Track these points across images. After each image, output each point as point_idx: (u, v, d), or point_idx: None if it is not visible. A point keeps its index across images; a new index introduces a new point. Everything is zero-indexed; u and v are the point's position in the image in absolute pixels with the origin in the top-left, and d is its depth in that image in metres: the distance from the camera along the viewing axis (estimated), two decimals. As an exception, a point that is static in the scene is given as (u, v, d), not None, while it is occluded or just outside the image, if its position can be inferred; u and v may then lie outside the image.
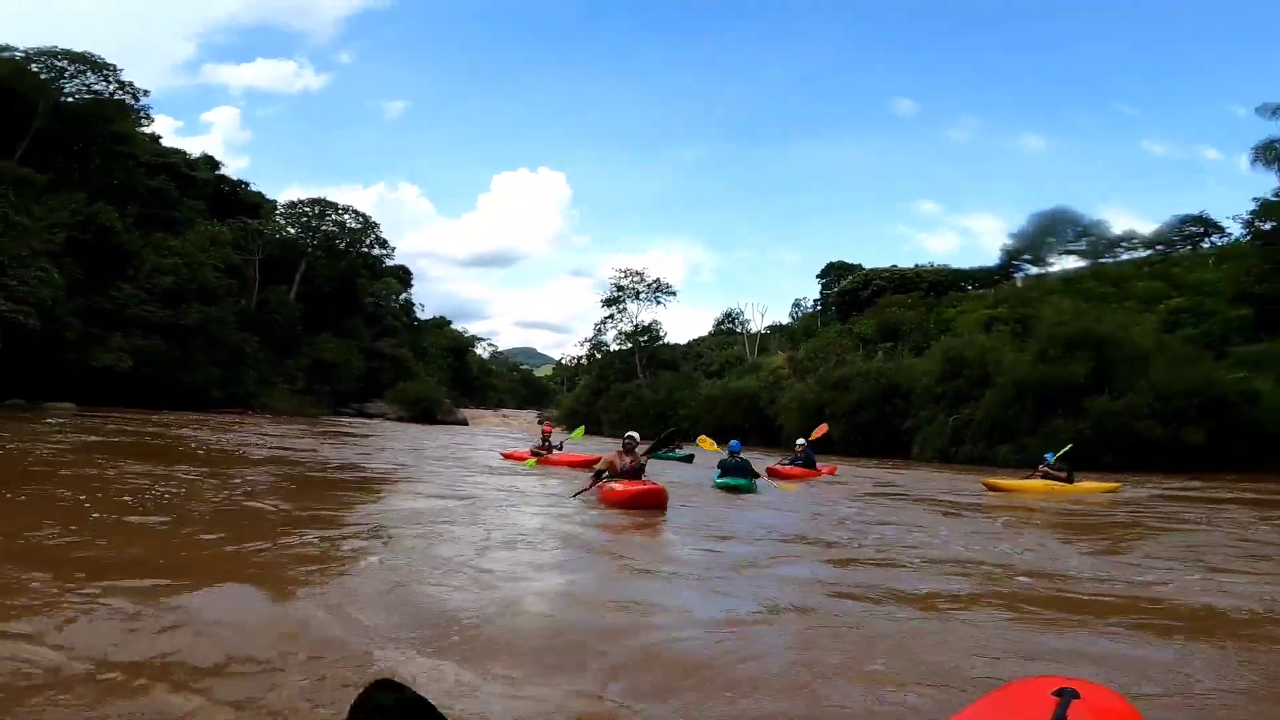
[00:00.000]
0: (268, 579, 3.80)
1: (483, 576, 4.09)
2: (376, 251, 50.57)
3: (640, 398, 42.59)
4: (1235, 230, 34.58)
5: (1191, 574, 4.89)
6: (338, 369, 42.89)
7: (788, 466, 12.98)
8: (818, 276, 68.32)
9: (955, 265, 61.29)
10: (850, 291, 59.83)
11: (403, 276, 58.30)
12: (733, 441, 11.39)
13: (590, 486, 8.00)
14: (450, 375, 60.50)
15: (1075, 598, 4.13)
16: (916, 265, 61.63)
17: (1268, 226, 25.23)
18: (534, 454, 13.90)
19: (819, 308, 65.14)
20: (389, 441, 19.11)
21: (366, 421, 35.95)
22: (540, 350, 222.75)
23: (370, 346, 47.96)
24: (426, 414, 43.95)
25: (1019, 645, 3.22)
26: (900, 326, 41.87)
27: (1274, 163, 20.84)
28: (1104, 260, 52.85)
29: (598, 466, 8.30)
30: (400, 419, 42.17)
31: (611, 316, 46.94)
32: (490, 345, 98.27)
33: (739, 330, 61.60)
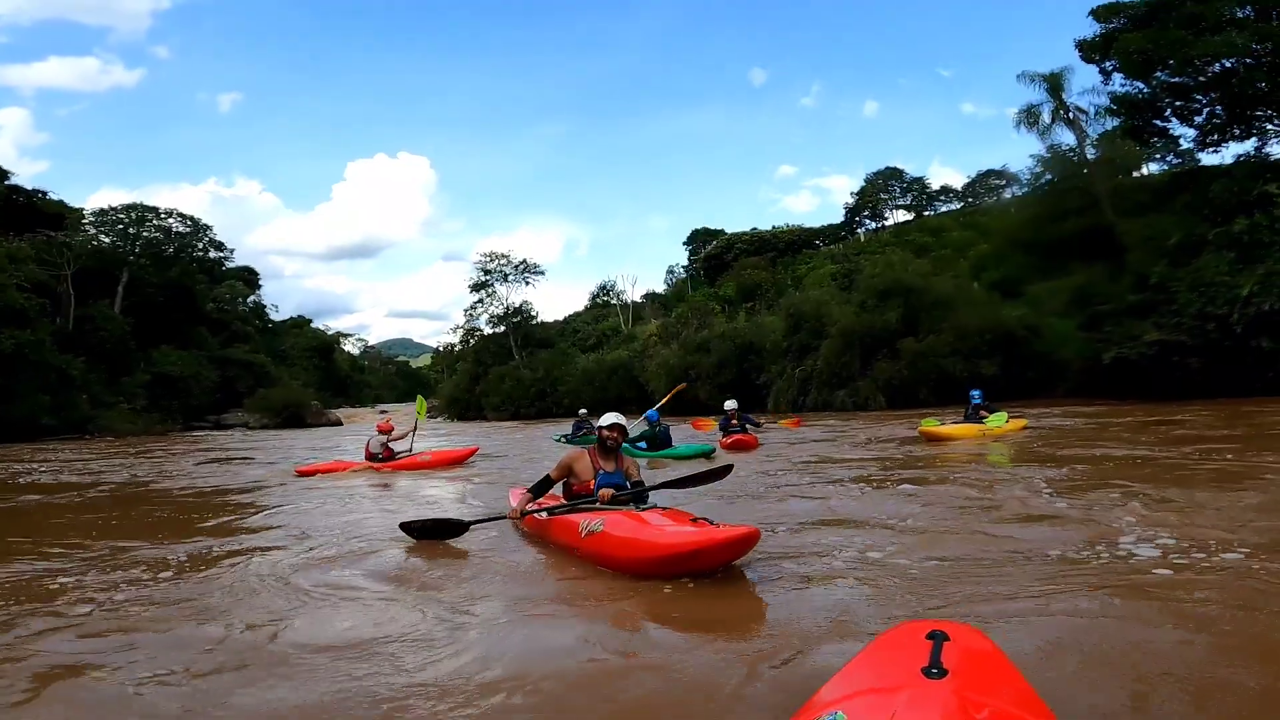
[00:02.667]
0: None
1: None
2: (213, 255, 46.71)
3: (519, 378, 42.80)
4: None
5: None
6: (185, 382, 39.73)
7: (737, 435, 11.17)
8: (684, 244, 70.93)
9: (811, 224, 65.79)
10: (715, 256, 62.71)
11: (249, 278, 54.37)
12: (650, 411, 10.94)
13: (525, 513, 4.44)
14: (319, 376, 57.48)
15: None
16: (774, 227, 65.45)
17: (1045, 180, 29.37)
18: (371, 459, 10.07)
19: (689, 274, 67.71)
20: (194, 455, 16.89)
21: (216, 434, 33.88)
22: (417, 340, 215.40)
23: (220, 355, 44.66)
24: (294, 419, 41.87)
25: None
26: (757, 287, 44.67)
27: (1034, 126, 23.81)
28: (927, 213, 58.90)
29: (551, 474, 4.49)
30: (265, 427, 39.97)
31: (481, 301, 46.53)
32: (360, 340, 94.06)
33: (614, 302, 62.96)
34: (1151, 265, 16.51)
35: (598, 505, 4.08)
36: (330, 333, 76.06)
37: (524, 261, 45.95)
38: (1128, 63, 20.23)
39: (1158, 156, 24.05)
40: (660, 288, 68.56)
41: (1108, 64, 21.70)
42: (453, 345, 51.88)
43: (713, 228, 68.13)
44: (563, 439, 14.75)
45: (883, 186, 63.61)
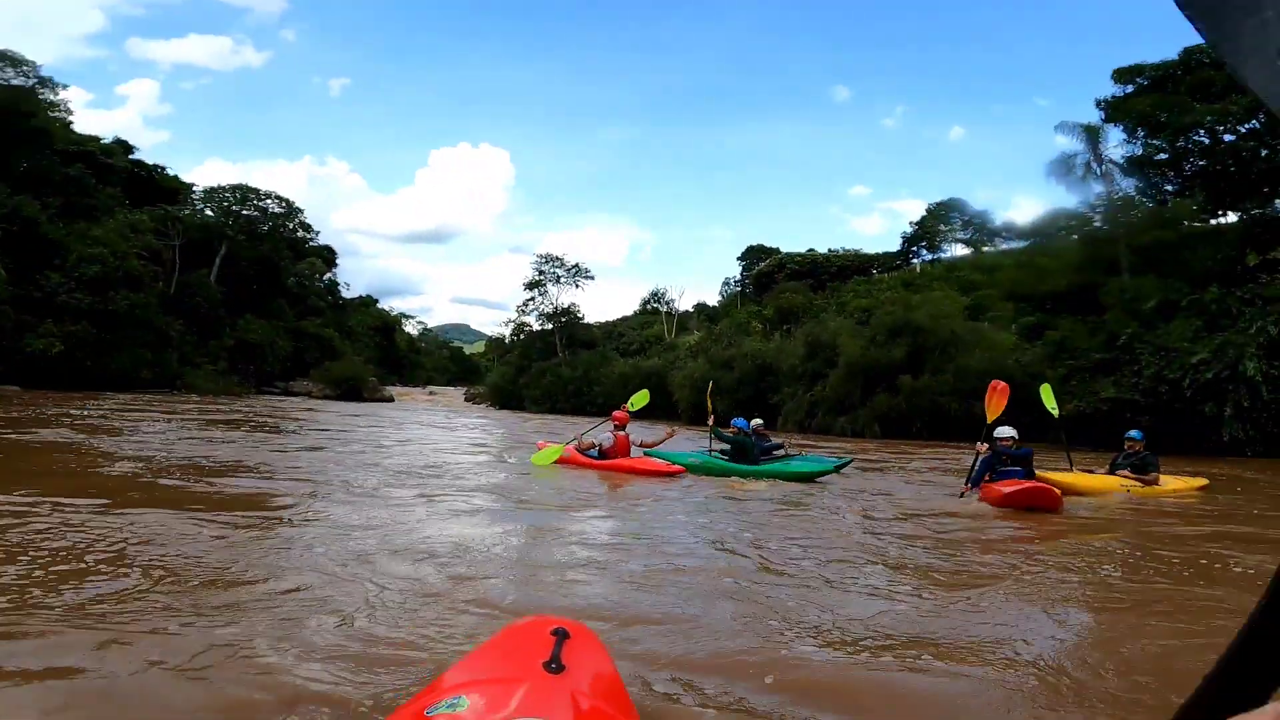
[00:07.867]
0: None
1: None
2: (300, 235, 51.56)
3: (559, 375, 45.40)
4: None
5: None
6: (262, 349, 44.28)
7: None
8: (738, 259, 72.24)
9: (872, 249, 65.80)
10: (767, 274, 63.88)
11: (328, 257, 59.24)
12: (738, 419, 11.23)
13: None
14: (379, 353, 62.00)
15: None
16: (829, 250, 66.02)
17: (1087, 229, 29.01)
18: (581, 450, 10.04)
19: (740, 288, 69.05)
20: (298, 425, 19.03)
21: (285, 400, 37.78)
22: (474, 327, 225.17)
23: (294, 326, 49.24)
24: (352, 392, 45.83)
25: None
26: (795, 310, 45.77)
27: (1067, 175, 23.59)
28: (986, 248, 58.18)
29: None
30: (326, 397, 43.98)
31: (533, 299, 49.49)
32: (420, 323, 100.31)
33: (661, 309, 65.04)
34: (1125, 326, 17.25)
35: None
36: (394, 313, 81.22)
37: (576, 265, 48.72)
38: (1139, 124, 20.71)
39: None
40: (714, 299, 70.24)
41: (1124, 124, 22.12)
42: (504, 337, 55.18)
43: (770, 244, 69.16)
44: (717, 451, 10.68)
45: (943, 218, 63.07)
